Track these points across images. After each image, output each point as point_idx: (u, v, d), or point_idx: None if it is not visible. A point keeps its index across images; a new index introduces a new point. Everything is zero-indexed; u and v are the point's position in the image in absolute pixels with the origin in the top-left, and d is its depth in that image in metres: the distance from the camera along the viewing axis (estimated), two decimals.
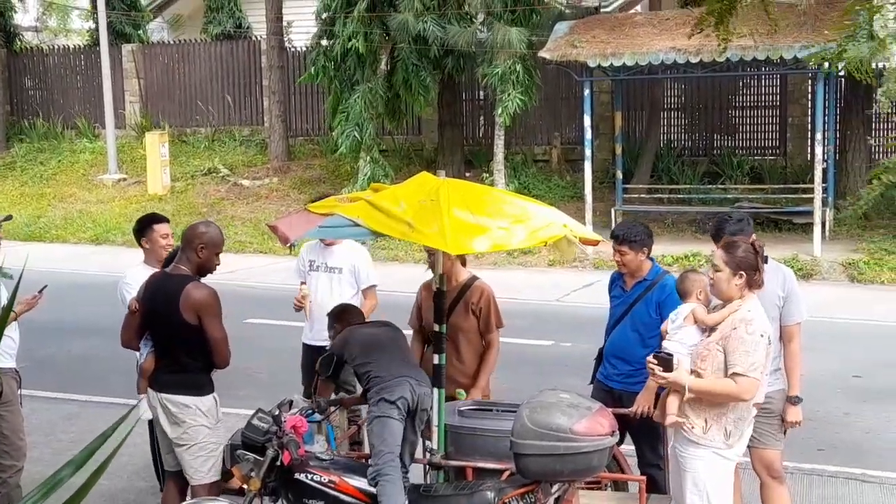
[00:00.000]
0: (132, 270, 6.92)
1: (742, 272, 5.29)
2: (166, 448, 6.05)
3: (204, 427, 5.91)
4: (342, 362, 5.84)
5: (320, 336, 7.35)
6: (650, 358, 5.37)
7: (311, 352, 7.50)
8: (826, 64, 15.24)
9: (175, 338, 5.83)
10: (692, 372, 5.32)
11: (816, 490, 7.45)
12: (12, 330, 6.48)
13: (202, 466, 5.92)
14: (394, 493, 5.24)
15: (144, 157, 22.69)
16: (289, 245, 5.24)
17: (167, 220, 7.12)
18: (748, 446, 5.73)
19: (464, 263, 6.67)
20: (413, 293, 6.91)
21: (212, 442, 5.96)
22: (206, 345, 5.84)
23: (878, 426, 8.89)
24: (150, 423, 6.62)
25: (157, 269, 6.49)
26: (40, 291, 6.48)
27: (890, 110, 15.76)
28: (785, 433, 6.21)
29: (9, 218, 7.28)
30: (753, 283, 5.35)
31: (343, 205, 5.25)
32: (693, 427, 5.30)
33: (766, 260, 5.50)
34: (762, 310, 5.36)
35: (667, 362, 5.26)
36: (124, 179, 23.17)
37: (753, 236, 5.88)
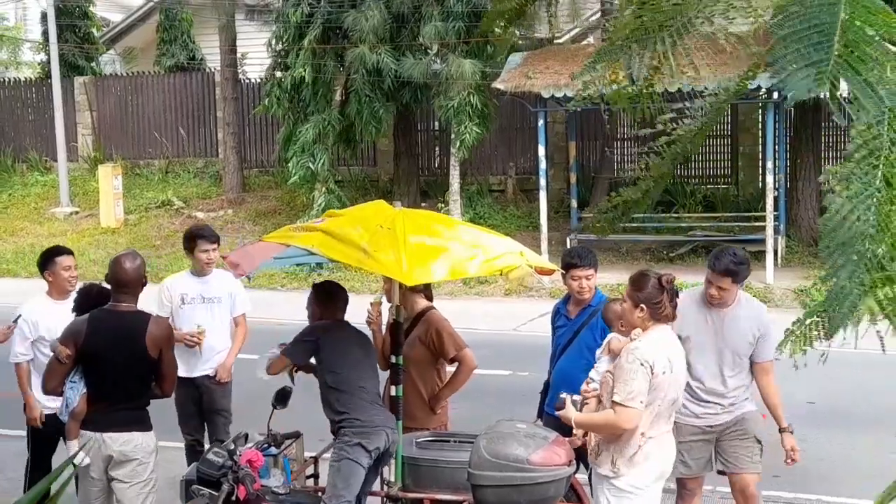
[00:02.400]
0: (31, 303, 6.92)
1: (642, 306, 5.34)
2: (97, 493, 5.88)
3: (150, 463, 5.87)
4: (308, 361, 5.85)
5: (187, 367, 7.35)
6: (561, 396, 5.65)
7: (182, 385, 7.46)
8: (775, 94, 15.48)
9: (134, 375, 5.76)
10: (598, 400, 5.52)
11: None
12: None
13: (144, 502, 5.86)
14: None
15: (97, 190, 22.48)
16: (244, 277, 5.20)
17: (71, 253, 7.16)
18: (725, 472, 6.31)
19: (430, 298, 6.64)
20: (363, 324, 6.83)
21: (154, 478, 5.94)
22: (152, 379, 5.82)
23: (833, 452, 8.95)
24: (33, 466, 6.60)
25: (59, 303, 6.51)
26: (15, 321, 6.45)
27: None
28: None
29: None
30: (659, 316, 5.36)
31: (298, 234, 5.24)
32: (591, 453, 5.49)
33: (675, 294, 5.51)
34: (661, 342, 5.29)
35: (561, 401, 5.56)
36: (77, 213, 22.93)
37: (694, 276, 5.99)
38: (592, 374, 5.79)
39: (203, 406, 7.55)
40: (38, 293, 7.10)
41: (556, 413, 5.63)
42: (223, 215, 21.63)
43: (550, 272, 5.84)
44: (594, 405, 5.53)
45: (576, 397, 5.55)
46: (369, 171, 23.01)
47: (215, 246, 7.36)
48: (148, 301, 7.35)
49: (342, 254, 5.06)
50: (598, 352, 5.94)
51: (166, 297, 7.50)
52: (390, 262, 4.91)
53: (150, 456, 5.86)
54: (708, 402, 6.21)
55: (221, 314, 7.46)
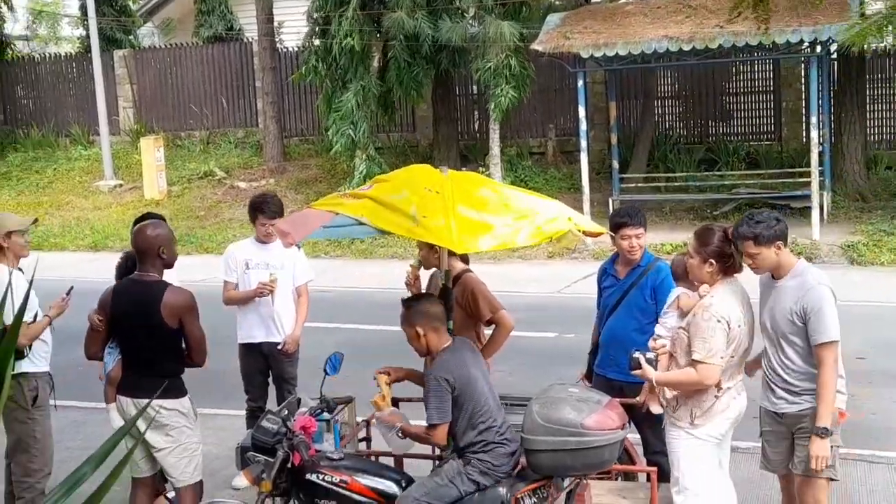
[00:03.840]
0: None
1: (712, 260, 5.40)
2: (139, 454, 5.99)
3: (186, 428, 5.96)
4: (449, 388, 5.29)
5: (252, 334, 7.52)
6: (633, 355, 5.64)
7: (249, 353, 7.61)
8: (818, 47, 15.25)
9: (153, 343, 5.83)
10: (670, 356, 5.60)
11: None
12: (46, 334, 6.52)
13: (187, 468, 5.96)
14: None
15: (140, 163, 22.68)
16: (291, 246, 5.22)
17: (162, 218, 7.14)
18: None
19: (466, 261, 6.67)
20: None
21: (193, 442, 6.02)
22: (180, 347, 5.90)
23: (884, 407, 8.90)
24: None
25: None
26: (68, 293, 6.52)
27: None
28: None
29: (35, 221, 7.32)
30: (728, 269, 5.46)
31: (346, 202, 5.24)
32: (668, 406, 5.61)
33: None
34: (732, 294, 5.42)
35: (636, 360, 5.55)
36: (120, 185, 23.15)
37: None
38: (660, 329, 5.83)
39: (270, 374, 7.66)
40: (105, 272, 7.10)
41: (633, 372, 5.63)
42: (265, 184, 21.73)
43: (599, 234, 5.82)
44: (665, 362, 5.58)
45: (649, 355, 5.58)
46: (409, 137, 22.99)
47: (275, 220, 7.39)
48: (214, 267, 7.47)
49: (390, 223, 5.04)
50: (665, 307, 5.97)
51: (231, 262, 7.60)
52: (440, 228, 4.90)
53: (180, 420, 5.92)
54: (775, 385, 5.53)
55: (284, 281, 7.52)
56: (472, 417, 5.22)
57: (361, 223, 5.13)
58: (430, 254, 6.18)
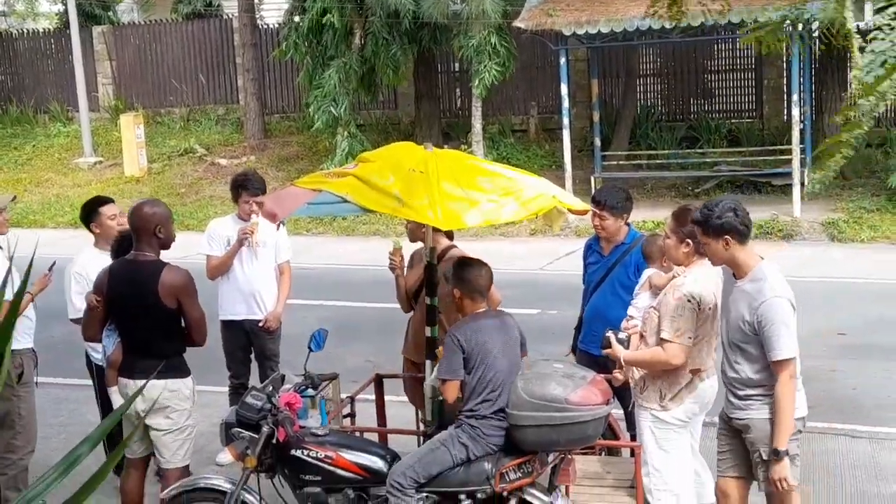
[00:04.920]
0: (82, 257, 6.91)
1: (688, 241, 5.39)
2: (136, 436, 5.96)
3: (186, 410, 5.92)
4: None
5: (234, 311, 7.51)
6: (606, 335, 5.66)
7: (231, 329, 7.60)
8: (800, 25, 15.26)
9: (153, 324, 5.78)
10: (641, 335, 5.61)
11: (807, 446, 7.47)
12: (29, 310, 6.48)
13: (179, 450, 5.94)
14: None
15: (120, 140, 22.52)
16: (277, 223, 5.21)
17: (113, 201, 7.16)
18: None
19: (451, 237, 6.67)
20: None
21: (189, 425, 5.99)
22: (181, 327, 5.85)
23: (865, 382, 8.98)
24: (104, 415, 6.66)
25: (105, 253, 6.49)
26: (50, 269, 6.46)
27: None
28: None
29: (14, 199, 7.27)
30: (704, 251, 5.41)
31: (331, 181, 5.23)
32: (636, 387, 5.63)
33: None
34: (706, 276, 5.32)
35: (606, 339, 5.62)
36: (100, 162, 22.99)
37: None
38: (632, 310, 5.86)
39: (252, 351, 7.65)
40: (84, 246, 7.07)
41: (603, 352, 5.70)
42: (246, 162, 21.62)
43: (585, 212, 5.83)
44: (636, 341, 5.61)
45: (621, 335, 5.61)
46: (390, 115, 22.92)
47: (259, 197, 7.36)
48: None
49: (375, 202, 5.04)
50: (637, 288, 6.00)
51: (215, 237, 7.56)
52: (423, 207, 4.89)
53: (183, 402, 5.90)
54: (725, 385, 5.31)
55: (266, 259, 7.50)
56: (478, 385, 5.26)
57: (346, 201, 5.12)
58: (417, 227, 6.16)
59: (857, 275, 13.35)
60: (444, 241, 6.57)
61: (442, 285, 6.02)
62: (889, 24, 2.74)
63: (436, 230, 6.03)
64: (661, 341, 5.33)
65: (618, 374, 5.71)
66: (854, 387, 8.89)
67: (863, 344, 10.09)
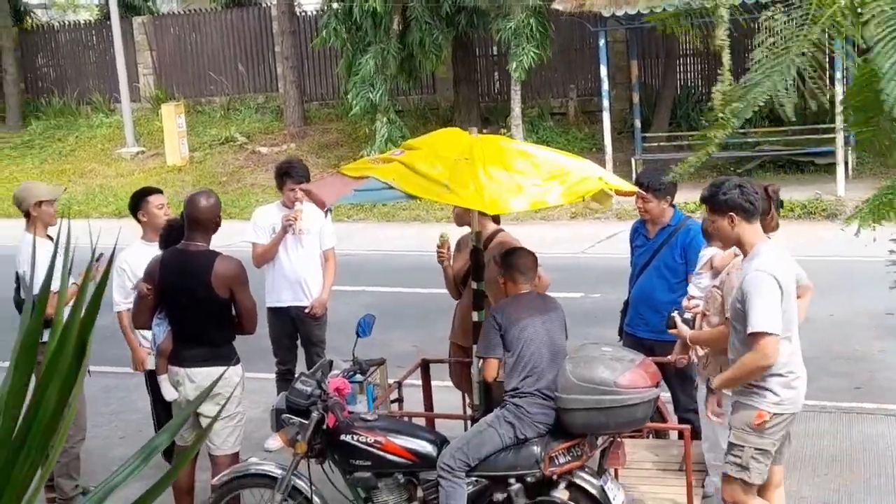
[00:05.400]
0: (130, 251, 6.96)
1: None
2: (186, 424, 5.97)
3: (236, 397, 5.97)
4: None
5: (280, 298, 7.55)
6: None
7: (277, 316, 7.65)
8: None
9: (204, 313, 5.84)
10: (703, 315, 5.54)
11: (856, 427, 7.48)
12: None
13: (230, 436, 5.99)
14: (458, 496, 5.24)
15: (161, 130, 22.73)
16: (326, 210, 5.24)
17: (161, 192, 7.22)
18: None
19: (497, 221, 6.67)
20: (435, 253, 6.86)
21: (240, 412, 6.04)
22: (231, 316, 5.90)
23: None
24: (154, 403, 6.74)
25: (153, 244, 6.54)
26: (97, 260, 6.52)
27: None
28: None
29: (64, 190, 7.37)
30: (767, 227, 5.39)
31: (377, 167, 5.24)
32: (700, 364, 5.66)
33: (780, 205, 5.55)
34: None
35: (672, 319, 5.61)
36: (143, 152, 23.20)
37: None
38: (693, 290, 5.84)
39: (298, 338, 7.71)
40: (132, 241, 7.13)
41: (670, 331, 5.69)
42: (286, 149, 21.73)
43: (631, 194, 5.83)
44: (698, 321, 5.58)
45: (687, 316, 5.59)
46: (429, 100, 22.92)
47: (302, 185, 7.40)
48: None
49: (422, 188, 5.05)
50: (697, 267, 5.96)
51: (260, 224, 7.61)
52: (471, 193, 4.91)
53: (233, 390, 5.92)
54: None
55: (311, 246, 7.54)
56: (517, 363, 5.30)
57: (392, 187, 5.13)
58: (464, 212, 6.16)
59: None
60: (491, 226, 6.58)
61: (489, 269, 6.03)
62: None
63: (482, 214, 6.04)
64: (726, 320, 5.25)
65: (682, 357, 5.72)
66: None
67: None
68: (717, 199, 5.02)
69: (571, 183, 5.10)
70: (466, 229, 6.44)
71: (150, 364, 6.89)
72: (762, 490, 5.25)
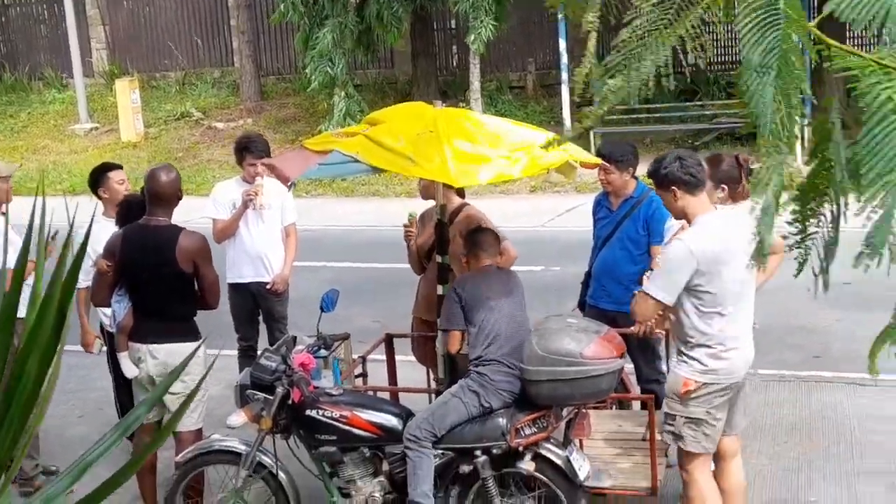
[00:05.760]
0: (95, 227, 6.86)
1: (724, 185, 5.40)
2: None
3: (199, 373, 5.94)
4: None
5: (241, 274, 7.50)
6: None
7: (238, 292, 7.60)
8: None
9: (167, 288, 5.80)
10: None
11: (815, 396, 7.59)
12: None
13: (193, 413, 5.97)
14: (425, 467, 5.26)
15: (115, 105, 22.40)
16: (290, 184, 5.19)
17: (121, 167, 7.15)
18: None
19: (462, 195, 6.65)
20: (395, 227, 6.85)
21: (202, 389, 5.99)
22: (194, 290, 5.87)
23: (870, 332, 8.97)
24: (116, 381, 6.67)
25: (113, 220, 6.47)
26: (52, 238, 6.42)
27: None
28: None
29: (20, 167, 7.24)
30: (737, 195, 5.45)
31: (340, 140, 5.21)
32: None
33: (750, 173, 5.56)
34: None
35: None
36: (96, 128, 22.88)
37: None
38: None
39: (260, 313, 7.67)
40: (88, 216, 7.02)
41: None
42: (243, 124, 21.52)
43: (594, 166, 5.84)
44: None
45: None
46: (387, 74, 22.80)
47: (263, 159, 7.34)
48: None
49: (386, 161, 5.02)
50: (665, 239, 5.96)
51: (220, 200, 7.54)
52: (436, 166, 4.90)
53: (196, 365, 5.88)
54: None
55: (272, 221, 7.49)
56: (479, 333, 5.33)
57: (356, 161, 5.10)
58: (430, 184, 6.14)
59: (858, 224, 13.36)
60: (457, 200, 6.56)
61: (455, 243, 6.03)
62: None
63: (447, 188, 6.02)
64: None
65: (657, 331, 5.76)
66: (860, 336, 8.90)
67: (867, 293, 10.07)
68: (659, 173, 5.07)
69: (537, 154, 5.10)
70: (432, 203, 6.42)
71: (96, 349, 6.85)
72: (717, 460, 5.31)
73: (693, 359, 5.01)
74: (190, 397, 2.53)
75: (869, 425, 7.04)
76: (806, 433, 6.98)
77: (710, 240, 4.94)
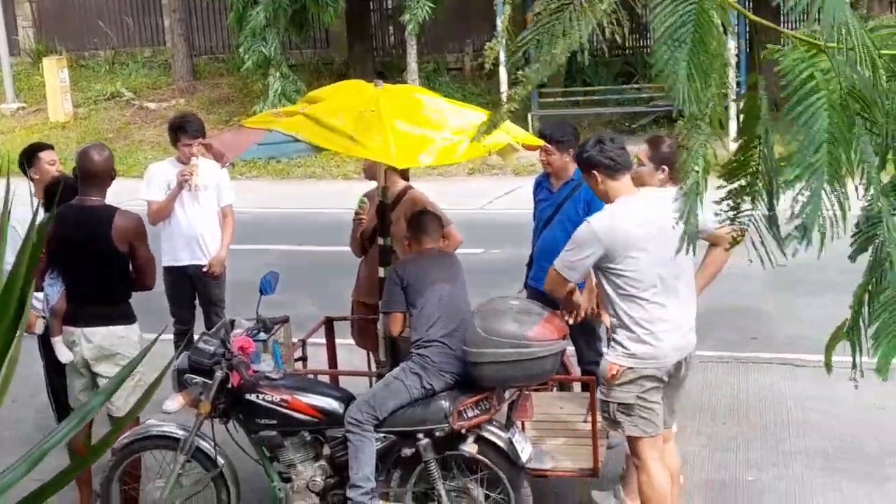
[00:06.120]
0: (22, 209, 6.69)
1: (664, 167, 5.39)
2: (81, 386, 5.87)
3: (138, 359, 5.81)
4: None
5: (177, 256, 7.40)
6: None
7: (175, 275, 7.49)
8: None
9: (103, 269, 5.67)
10: None
11: (752, 376, 7.68)
12: None
13: (130, 397, 5.81)
14: (367, 451, 5.21)
15: (43, 85, 21.94)
16: (227, 164, 5.09)
17: (52, 147, 6.99)
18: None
19: (406, 177, 6.58)
20: (333, 210, 6.77)
21: (139, 372, 5.86)
22: (128, 272, 5.75)
23: (807, 314, 9.11)
24: (47, 367, 6.51)
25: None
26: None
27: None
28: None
29: None
30: (676, 177, 5.42)
31: (280, 120, 5.11)
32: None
33: None
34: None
35: None
36: (24, 108, 22.38)
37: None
38: None
39: (196, 296, 7.55)
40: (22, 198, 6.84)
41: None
42: (175, 105, 21.20)
43: (536, 148, 5.80)
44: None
45: None
46: (322, 55, 22.59)
47: (198, 139, 7.22)
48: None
49: (328, 140, 4.94)
50: None
51: (154, 181, 7.38)
52: (378, 146, 4.82)
53: (132, 349, 5.78)
54: None
55: (208, 202, 7.37)
56: (421, 315, 5.31)
57: (297, 140, 5.01)
58: (373, 164, 6.06)
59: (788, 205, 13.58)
60: (401, 183, 6.49)
61: (398, 226, 5.97)
62: None
63: (391, 170, 5.95)
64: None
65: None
66: (796, 318, 9.03)
67: (802, 276, 10.22)
68: (581, 157, 5.12)
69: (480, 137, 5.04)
70: (375, 184, 6.35)
71: (40, 329, 6.66)
72: None
73: (618, 343, 5.03)
74: (156, 382, 2.47)
75: (806, 405, 7.13)
76: (744, 413, 7.05)
77: (624, 222, 4.94)
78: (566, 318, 5.79)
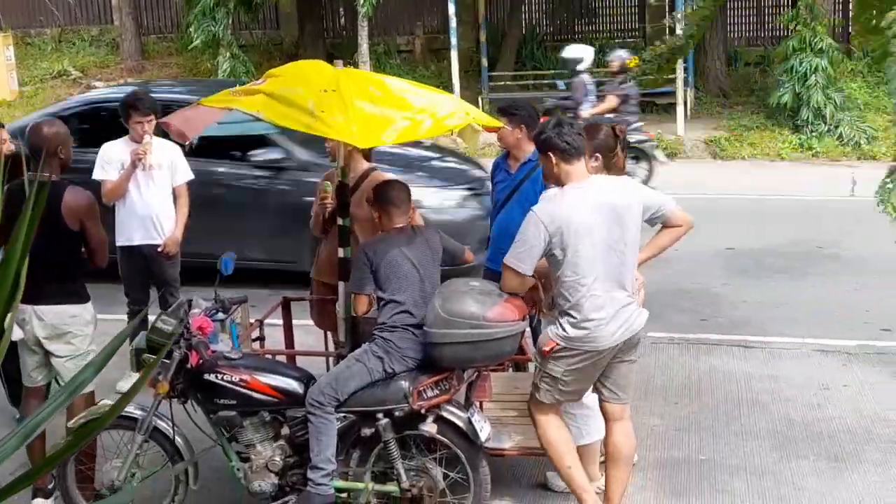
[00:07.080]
0: None
1: (597, 154, 5.42)
2: (34, 364, 5.84)
3: (88, 336, 5.80)
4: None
5: (131, 236, 7.35)
6: None
7: (129, 255, 7.45)
8: None
9: (54, 247, 5.61)
10: None
11: (702, 357, 7.79)
12: None
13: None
14: (329, 432, 5.22)
15: None
16: (187, 144, 5.06)
17: (2, 125, 6.87)
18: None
19: (368, 157, 6.56)
20: None
21: (93, 350, 5.85)
22: (80, 250, 5.70)
23: (755, 295, 9.28)
24: None
25: None
26: None
27: None
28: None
29: None
30: (612, 165, 5.48)
31: (240, 98, 5.07)
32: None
33: (627, 145, 5.63)
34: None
35: None
36: None
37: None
38: None
39: (151, 276, 7.50)
40: None
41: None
42: (123, 84, 20.92)
43: (498, 128, 5.83)
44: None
45: None
46: (272, 35, 22.45)
47: (151, 117, 7.14)
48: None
49: (289, 118, 4.91)
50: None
51: (108, 160, 7.31)
52: (340, 125, 4.80)
53: (85, 328, 5.77)
54: None
55: (162, 181, 7.31)
56: (390, 301, 5.29)
57: (258, 119, 4.99)
58: (337, 144, 6.03)
59: (741, 191, 13.78)
60: (364, 164, 6.46)
61: (362, 208, 5.94)
62: None
63: (354, 150, 5.94)
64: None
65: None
66: (745, 299, 9.18)
67: (750, 257, 10.41)
68: (539, 139, 5.14)
69: (441, 117, 5.06)
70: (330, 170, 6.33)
71: None
72: (605, 422, 5.39)
73: (557, 321, 5.12)
74: (104, 360, 2.47)
75: (755, 385, 7.26)
76: (695, 393, 7.16)
77: (566, 209, 4.97)
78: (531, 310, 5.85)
